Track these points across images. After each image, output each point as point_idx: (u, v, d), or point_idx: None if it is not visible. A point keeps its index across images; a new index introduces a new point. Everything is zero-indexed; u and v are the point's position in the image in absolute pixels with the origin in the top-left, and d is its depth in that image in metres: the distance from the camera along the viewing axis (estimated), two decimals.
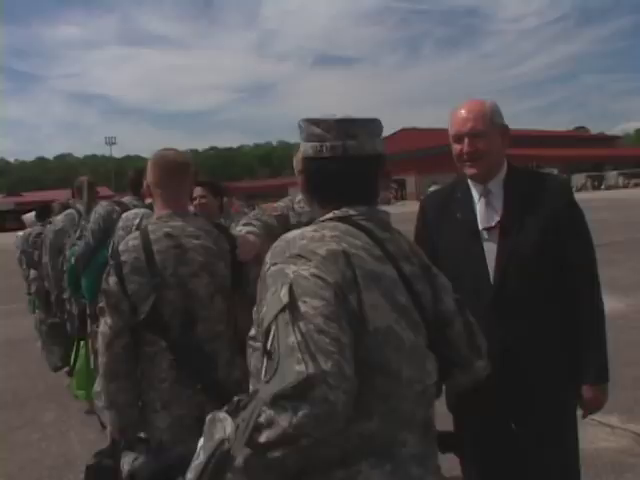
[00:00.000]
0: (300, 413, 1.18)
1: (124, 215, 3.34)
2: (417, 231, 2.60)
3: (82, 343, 4.73)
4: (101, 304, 2.37)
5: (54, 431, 5.24)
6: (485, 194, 2.38)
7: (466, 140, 2.34)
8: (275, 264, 1.41)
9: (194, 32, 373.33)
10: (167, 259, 2.35)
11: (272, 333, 1.30)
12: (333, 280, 1.34)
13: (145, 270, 2.31)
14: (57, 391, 6.09)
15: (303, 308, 1.29)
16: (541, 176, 2.46)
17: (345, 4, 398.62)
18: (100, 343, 2.36)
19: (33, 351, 7.91)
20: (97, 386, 3.57)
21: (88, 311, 4.35)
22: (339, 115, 1.59)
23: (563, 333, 2.31)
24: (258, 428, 1.20)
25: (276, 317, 1.30)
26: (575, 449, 2.41)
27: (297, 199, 3.31)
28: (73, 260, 4.34)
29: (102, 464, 2.29)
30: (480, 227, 2.35)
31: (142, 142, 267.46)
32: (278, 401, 1.20)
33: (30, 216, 7.42)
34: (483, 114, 2.35)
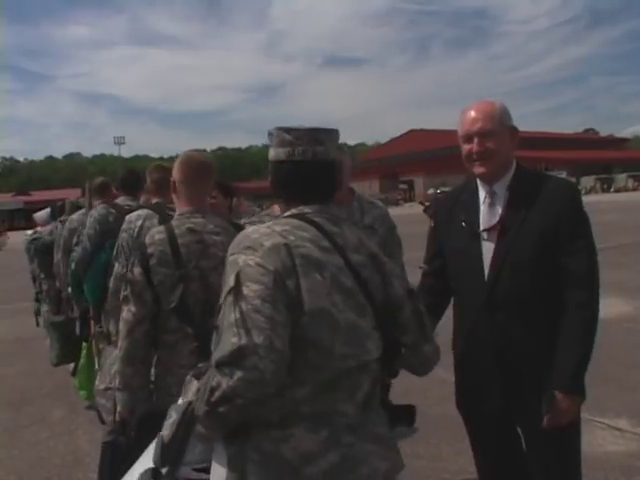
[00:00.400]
0: (235, 377, 1.45)
1: (127, 217, 3.37)
2: (429, 232, 2.67)
3: (84, 344, 4.73)
4: (125, 293, 2.52)
5: (62, 429, 5.26)
6: (490, 195, 2.40)
7: (475, 139, 2.35)
8: (232, 254, 1.66)
9: (203, 32, 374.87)
10: (191, 253, 2.50)
11: (220, 311, 1.58)
12: (273, 268, 1.57)
13: (171, 262, 2.46)
14: (65, 389, 6.11)
15: (245, 291, 1.53)
16: (548, 178, 2.44)
17: (353, 5, 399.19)
18: (122, 328, 2.52)
19: (41, 349, 7.95)
20: (99, 383, 3.62)
21: (91, 313, 4.37)
22: (307, 125, 1.84)
23: (555, 335, 2.26)
24: (212, 390, 1.48)
25: (225, 298, 1.57)
26: (576, 448, 2.40)
27: None
28: (73, 265, 4.40)
29: (117, 441, 2.43)
30: (481, 228, 2.37)
31: (150, 142, 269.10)
32: (220, 367, 1.48)
33: (41, 215, 7.45)
34: (492, 114, 2.36)
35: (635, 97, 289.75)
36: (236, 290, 1.55)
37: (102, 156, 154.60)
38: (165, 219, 2.98)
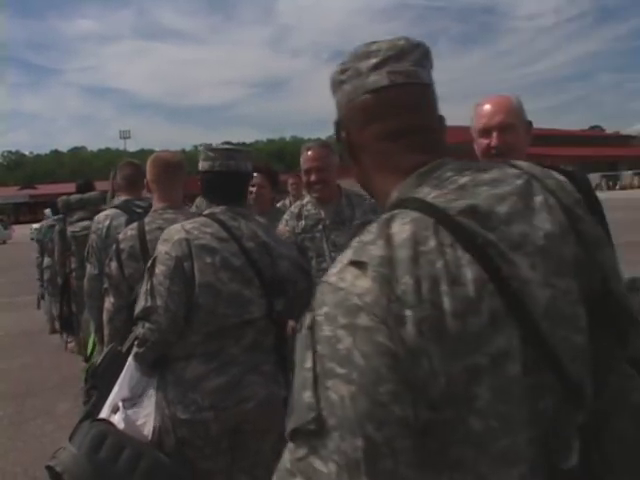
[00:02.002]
0: (145, 327, 2.29)
1: (95, 218, 3.44)
2: None
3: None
4: (105, 285, 2.82)
5: (68, 422, 5.25)
6: None
7: (495, 133, 2.30)
8: (158, 246, 2.38)
9: (209, 27, 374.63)
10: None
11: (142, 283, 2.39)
12: (175, 255, 2.29)
13: (139, 256, 2.68)
14: (71, 382, 6.13)
15: (156, 271, 2.30)
16: (560, 172, 2.43)
17: (361, 0, 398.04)
18: (104, 317, 2.83)
19: (48, 342, 7.99)
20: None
21: None
22: (225, 145, 2.57)
23: None
24: (137, 336, 2.33)
25: (144, 275, 2.38)
26: None
27: (305, 200, 3.34)
28: None
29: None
30: None
31: (156, 136, 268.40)
32: (137, 320, 2.34)
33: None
34: (511, 108, 2.34)
35: None
36: (150, 269, 2.33)
37: (107, 150, 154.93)
38: (132, 217, 3.17)
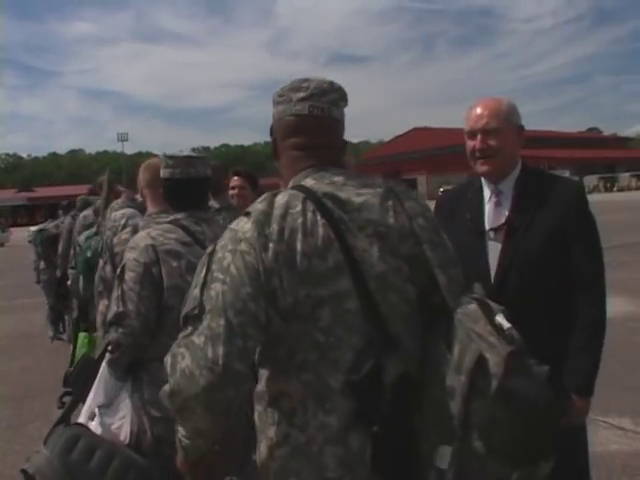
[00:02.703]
0: (118, 332, 2.35)
1: (112, 216, 3.58)
2: None
3: (81, 335, 4.80)
4: (100, 289, 2.96)
5: None
6: (496, 194, 2.37)
7: (479, 136, 2.32)
8: (126, 254, 2.48)
9: (207, 29, 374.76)
10: None
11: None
12: (143, 261, 2.38)
13: None
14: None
15: (125, 277, 2.38)
16: (555, 179, 2.42)
17: (359, 3, 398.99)
18: (98, 319, 2.98)
19: (46, 345, 7.98)
20: None
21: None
22: (185, 152, 2.63)
23: (561, 338, 2.27)
24: (110, 341, 2.36)
25: (115, 281, 2.46)
26: (585, 449, 2.40)
27: None
28: (89, 253, 4.42)
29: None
30: (487, 227, 2.34)
31: (154, 139, 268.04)
32: (110, 326, 2.39)
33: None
34: (498, 111, 2.34)
35: (639, 96, 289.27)
36: (120, 276, 2.41)
37: (105, 153, 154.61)
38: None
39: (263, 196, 1.53)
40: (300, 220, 1.44)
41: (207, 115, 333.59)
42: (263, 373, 1.55)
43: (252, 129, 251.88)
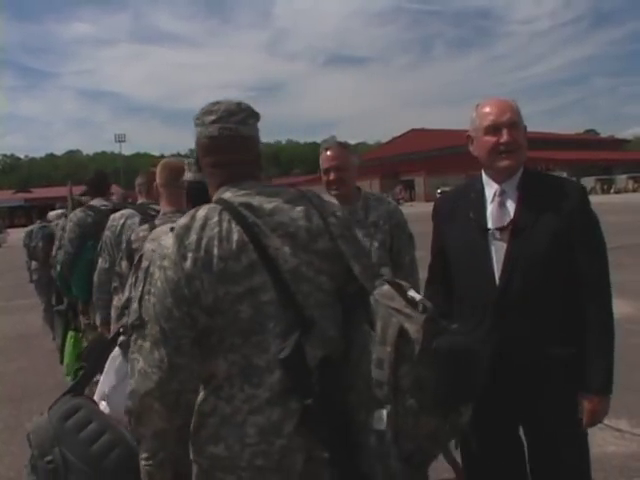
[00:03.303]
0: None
1: (112, 216, 3.69)
2: (433, 230, 2.61)
3: (72, 334, 4.96)
4: (115, 284, 2.99)
5: None
6: (499, 194, 2.37)
7: (505, 130, 2.31)
8: (145, 244, 2.46)
9: (206, 30, 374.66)
10: None
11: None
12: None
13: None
14: (66, 386, 6.12)
15: (142, 265, 2.26)
16: (557, 180, 2.45)
17: (357, 4, 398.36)
18: (113, 315, 3.02)
19: (43, 346, 7.98)
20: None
21: (80, 307, 4.59)
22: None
23: (565, 336, 2.29)
24: (124, 325, 2.38)
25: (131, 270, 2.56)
26: (587, 452, 2.40)
27: None
28: (59, 267, 4.67)
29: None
30: (491, 226, 2.33)
31: (152, 140, 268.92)
32: (124, 310, 2.43)
33: (56, 213, 8.01)
34: (516, 108, 2.37)
35: (636, 98, 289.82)
36: (137, 265, 2.39)
37: (103, 153, 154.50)
38: (146, 217, 3.35)
39: (189, 212, 1.80)
40: (217, 229, 1.69)
41: None
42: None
43: None
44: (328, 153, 3.24)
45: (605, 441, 4.20)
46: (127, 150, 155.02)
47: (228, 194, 1.79)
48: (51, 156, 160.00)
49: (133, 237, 2.98)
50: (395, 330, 1.62)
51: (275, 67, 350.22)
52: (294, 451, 1.69)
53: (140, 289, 1.80)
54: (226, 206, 1.74)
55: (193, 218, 1.73)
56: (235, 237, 1.68)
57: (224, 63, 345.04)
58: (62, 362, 5.37)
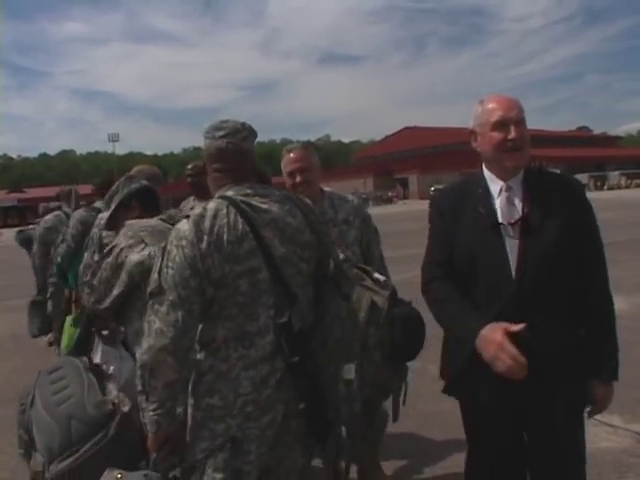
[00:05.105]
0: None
1: (99, 215, 4.00)
2: (433, 225, 2.56)
3: (68, 318, 5.08)
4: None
5: None
6: (506, 189, 2.37)
7: (513, 126, 2.31)
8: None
9: (199, 29, 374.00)
10: None
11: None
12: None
13: None
14: None
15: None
16: (557, 176, 2.49)
17: (351, 2, 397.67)
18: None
19: (36, 346, 7.93)
20: None
21: (74, 297, 5.20)
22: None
23: (579, 330, 2.36)
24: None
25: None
26: (584, 449, 2.43)
27: None
28: (59, 259, 5.29)
29: None
30: (501, 221, 2.33)
31: (145, 139, 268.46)
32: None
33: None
34: (520, 104, 2.37)
35: (629, 95, 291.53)
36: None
37: (96, 153, 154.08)
38: None
39: (201, 204, 2.24)
40: (225, 219, 2.12)
41: (199, 115, 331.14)
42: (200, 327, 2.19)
43: None
44: (291, 155, 3.24)
45: (598, 437, 4.21)
46: (121, 150, 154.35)
47: (231, 192, 2.23)
48: (44, 156, 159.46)
49: (104, 233, 3.46)
50: (368, 302, 2.26)
51: (269, 66, 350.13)
52: (276, 401, 2.16)
53: (159, 264, 2.14)
54: (231, 202, 2.17)
55: (205, 209, 2.16)
56: (240, 227, 2.12)
57: (218, 62, 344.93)
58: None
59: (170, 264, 2.10)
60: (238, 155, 2.32)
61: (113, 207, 3.15)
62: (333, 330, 2.22)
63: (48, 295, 6.23)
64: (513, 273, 2.29)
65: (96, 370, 2.88)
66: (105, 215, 3.86)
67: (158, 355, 2.05)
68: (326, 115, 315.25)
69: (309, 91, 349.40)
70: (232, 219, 2.12)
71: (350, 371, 2.17)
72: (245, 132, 2.36)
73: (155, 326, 2.06)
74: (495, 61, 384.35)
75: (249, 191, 2.24)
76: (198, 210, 2.18)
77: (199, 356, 2.21)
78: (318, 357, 2.19)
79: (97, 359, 3.13)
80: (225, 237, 2.10)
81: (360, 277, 2.40)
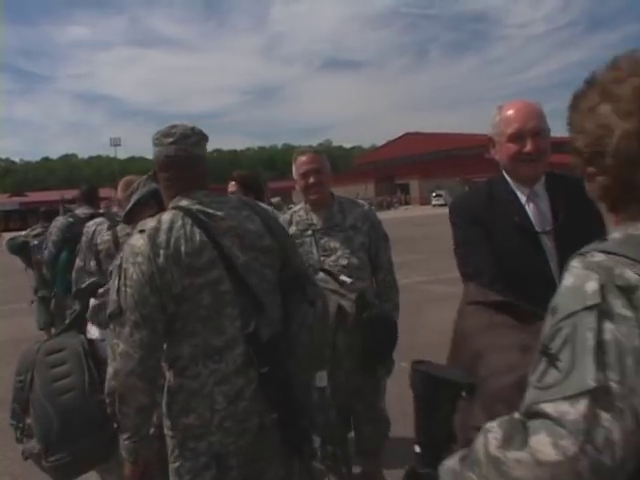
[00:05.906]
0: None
1: (87, 224, 4.14)
2: (465, 233, 2.42)
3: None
4: (86, 280, 3.54)
5: None
6: (532, 197, 2.33)
7: (530, 139, 2.26)
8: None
9: (202, 34, 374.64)
10: None
11: None
12: None
13: (114, 254, 3.25)
14: None
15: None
16: (571, 179, 2.40)
17: (354, 8, 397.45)
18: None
19: None
20: None
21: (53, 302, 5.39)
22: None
23: None
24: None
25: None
26: None
27: (297, 207, 3.41)
28: (46, 265, 5.35)
29: None
30: (538, 229, 2.30)
31: (147, 143, 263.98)
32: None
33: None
34: (542, 113, 2.33)
35: None
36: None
37: (98, 157, 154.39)
38: (114, 224, 3.85)
39: (155, 217, 2.12)
40: (182, 231, 2.02)
41: (200, 120, 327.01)
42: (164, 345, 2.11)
43: (245, 134, 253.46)
44: (304, 158, 3.26)
45: None
46: (122, 154, 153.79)
47: (184, 202, 2.13)
48: (46, 160, 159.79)
49: (99, 241, 3.64)
50: (335, 306, 2.25)
51: (271, 71, 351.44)
52: (252, 413, 2.09)
53: (116, 283, 2.04)
54: (186, 212, 2.08)
55: (160, 222, 2.06)
56: (197, 237, 2.03)
57: (220, 67, 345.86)
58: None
59: (128, 282, 1.99)
60: (189, 162, 2.19)
61: (132, 203, 3.17)
62: (300, 337, 2.15)
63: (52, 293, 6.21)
64: (557, 282, 2.26)
65: (94, 353, 2.91)
66: (100, 220, 4.08)
67: (127, 380, 1.97)
68: (328, 120, 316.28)
69: (311, 96, 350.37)
70: (189, 230, 2.03)
71: (322, 379, 2.15)
72: (195, 137, 2.22)
73: (119, 349, 1.97)
74: (498, 67, 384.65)
75: (204, 199, 2.14)
76: (152, 223, 2.06)
77: (167, 375, 2.12)
78: (289, 366, 2.10)
79: (91, 335, 3.24)
80: (183, 249, 2.00)
81: (325, 280, 2.38)
